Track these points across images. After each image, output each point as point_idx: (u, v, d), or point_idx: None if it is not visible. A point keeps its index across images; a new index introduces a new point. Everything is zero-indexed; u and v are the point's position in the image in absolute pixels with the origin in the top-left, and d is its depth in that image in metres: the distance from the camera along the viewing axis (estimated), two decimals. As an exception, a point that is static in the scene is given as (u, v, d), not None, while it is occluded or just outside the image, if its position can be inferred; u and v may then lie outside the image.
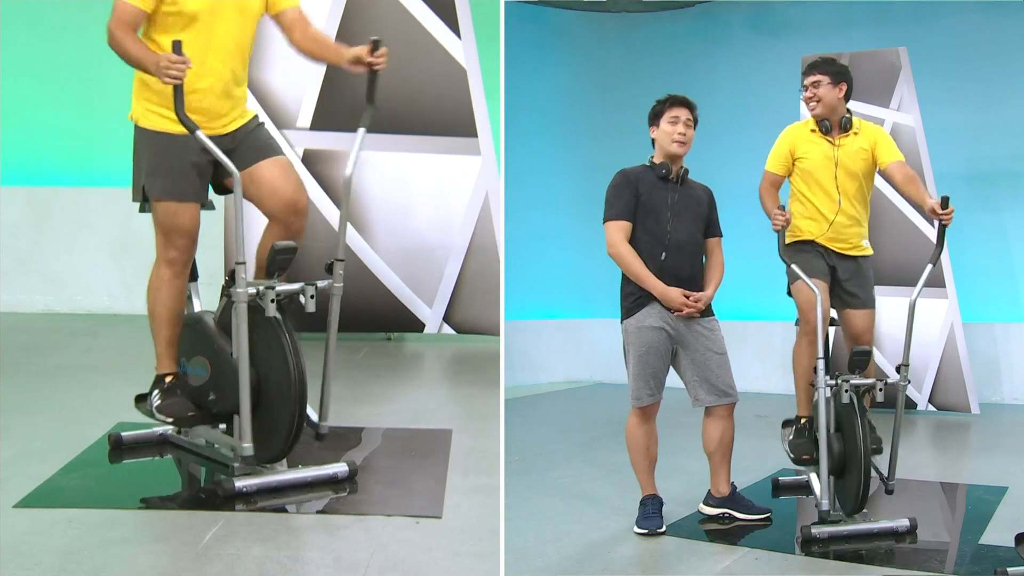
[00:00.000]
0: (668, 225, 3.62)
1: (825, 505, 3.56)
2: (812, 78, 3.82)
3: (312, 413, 3.21)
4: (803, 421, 3.95)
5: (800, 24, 7.59)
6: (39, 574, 2.39)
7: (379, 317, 4.88)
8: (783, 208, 3.67)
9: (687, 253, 3.66)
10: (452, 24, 4.68)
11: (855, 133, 3.83)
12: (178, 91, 2.76)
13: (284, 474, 3.10)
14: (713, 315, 3.68)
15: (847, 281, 3.86)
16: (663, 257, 3.61)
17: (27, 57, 5.53)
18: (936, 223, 3.58)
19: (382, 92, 3.06)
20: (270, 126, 3.29)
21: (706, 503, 3.79)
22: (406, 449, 3.67)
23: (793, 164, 3.86)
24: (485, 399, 4.34)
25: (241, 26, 3.00)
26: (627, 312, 3.64)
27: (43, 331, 5.05)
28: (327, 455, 3.33)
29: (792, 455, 3.94)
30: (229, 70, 3.01)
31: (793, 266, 3.65)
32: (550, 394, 7.37)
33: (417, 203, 4.77)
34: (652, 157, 3.71)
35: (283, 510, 2.96)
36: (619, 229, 3.62)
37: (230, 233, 4.36)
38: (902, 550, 3.40)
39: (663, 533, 3.52)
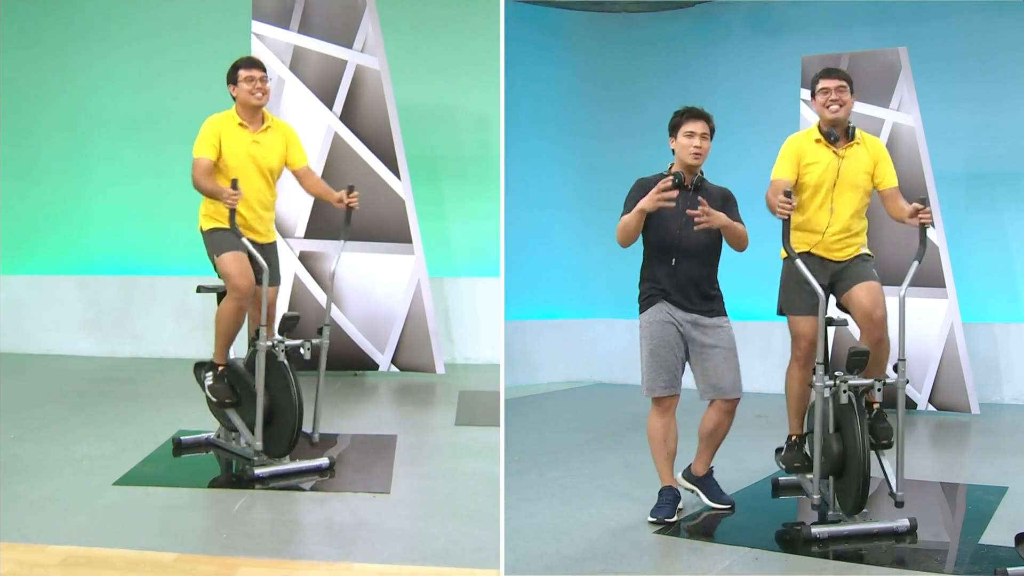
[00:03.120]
0: (679, 231, 3.68)
1: (816, 499, 3.58)
2: (838, 82, 3.79)
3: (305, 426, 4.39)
4: (793, 439, 4.04)
5: (800, 24, 7.59)
6: (129, 528, 3.46)
7: (348, 359, 6.73)
8: (790, 193, 3.58)
9: (698, 258, 3.71)
10: (394, 170, 6.74)
11: (857, 143, 3.83)
12: (232, 212, 4.15)
13: (287, 465, 4.24)
14: (724, 315, 3.79)
15: (843, 270, 3.85)
16: (674, 262, 3.69)
17: (112, 175, 7.73)
18: (918, 224, 3.63)
19: (354, 215, 4.47)
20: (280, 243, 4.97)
21: (683, 475, 3.96)
22: (366, 448, 4.79)
23: (798, 172, 3.82)
24: (420, 415, 5.78)
25: (260, 176, 4.40)
26: (641, 307, 3.78)
27: (129, 370, 6.92)
28: (315, 452, 4.46)
29: (784, 466, 4.09)
30: (258, 200, 4.41)
31: (797, 262, 3.62)
32: (550, 394, 7.37)
33: (374, 285, 6.78)
34: (671, 165, 3.78)
35: (287, 489, 4.06)
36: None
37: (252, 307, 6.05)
38: (902, 550, 3.40)
39: (672, 523, 3.62)
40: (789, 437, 4.06)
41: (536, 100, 7.95)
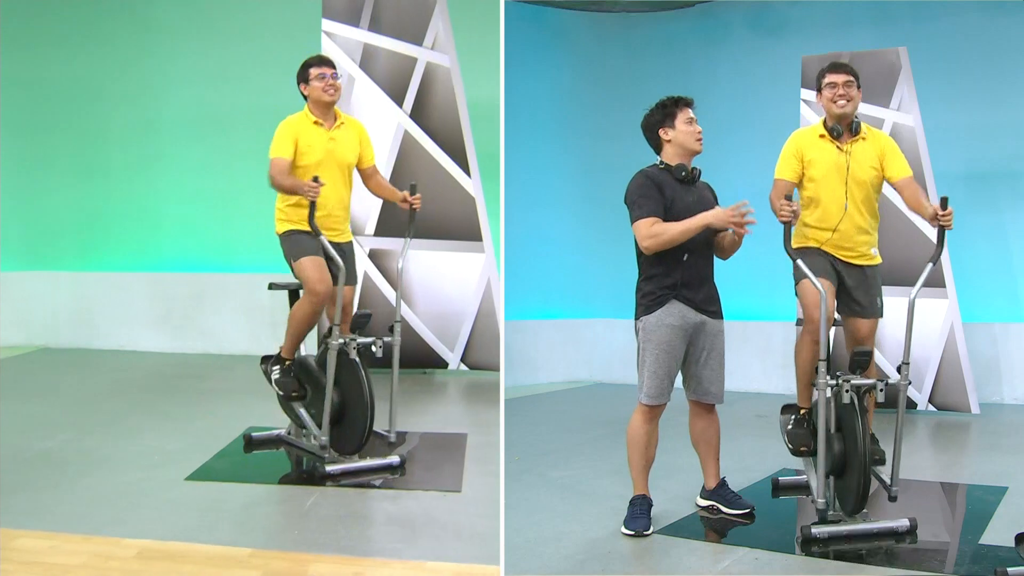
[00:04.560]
0: None
1: (822, 504, 3.57)
2: (846, 77, 3.76)
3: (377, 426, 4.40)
4: (802, 412, 3.93)
5: (800, 24, 7.58)
6: (202, 522, 3.50)
7: (418, 358, 6.71)
8: (790, 200, 3.57)
9: (704, 254, 3.66)
10: (464, 167, 6.70)
11: (863, 138, 3.80)
12: (312, 206, 4.14)
13: (357, 462, 4.25)
14: (723, 316, 3.72)
15: (854, 289, 3.81)
16: (685, 259, 3.60)
17: (183, 174, 7.87)
18: (937, 226, 3.57)
19: (422, 211, 4.57)
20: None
21: (700, 496, 3.89)
22: (436, 446, 4.78)
23: (802, 170, 3.80)
24: (488, 413, 5.64)
25: (342, 172, 4.44)
26: (646, 309, 3.62)
27: (201, 366, 7.04)
28: (385, 449, 4.47)
29: (790, 444, 3.91)
30: (338, 198, 4.43)
31: (799, 261, 3.61)
32: (550, 394, 7.37)
33: (444, 284, 6.74)
34: (664, 159, 3.69)
35: (358, 486, 4.07)
36: (649, 225, 3.55)
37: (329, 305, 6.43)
38: (902, 550, 3.41)
39: (649, 535, 3.53)
40: (797, 409, 3.95)
41: (536, 100, 7.94)
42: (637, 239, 3.59)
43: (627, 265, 4.06)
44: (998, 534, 3.51)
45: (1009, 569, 3.02)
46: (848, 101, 3.74)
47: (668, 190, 3.59)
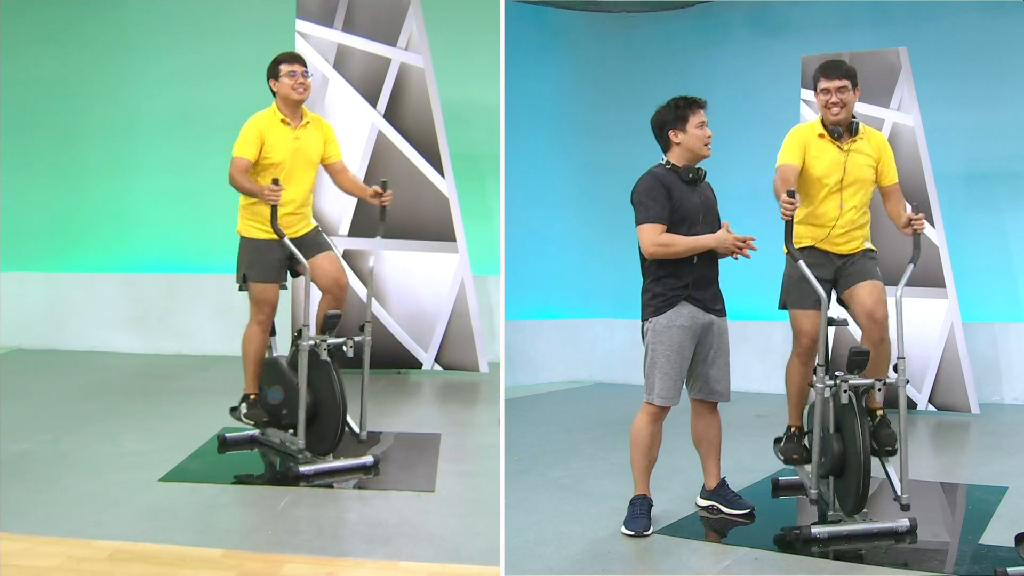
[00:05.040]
0: (698, 229, 3.60)
1: (814, 495, 3.57)
2: (839, 83, 3.70)
3: (352, 423, 4.49)
4: (793, 429, 4.03)
5: (800, 24, 7.58)
6: (175, 524, 3.50)
7: (392, 358, 6.72)
8: (793, 193, 3.53)
9: (712, 255, 3.66)
10: (438, 168, 6.72)
11: (861, 138, 3.80)
12: (274, 209, 4.15)
13: (331, 463, 4.24)
14: (727, 317, 3.73)
15: (847, 265, 3.83)
16: (695, 261, 3.59)
17: (157, 174, 7.90)
18: (911, 234, 3.65)
19: (396, 211, 4.62)
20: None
21: (700, 496, 3.89)
22: (410, 446, 4.76)
23: (803, 162, 3.78)
24: (462, 413, 5.74)
25: (305, 171, 4.44)
26: (655, 310, 3.61)
27: (175, 367, 7.05)
28: (360, 450, 4.43)
29: (782, 457, 4.05)
30: (300, 197, 4.42)
31: (800, 263, 3.61)
32: (550, 394, 7.37)
33: (417, 284, 6.77)
34: (670, 159, 3.67)
35: (331, 486, 4.08)
36: (655, 232, 3.55)
37: (297, 304, 6.35)
38: (902, 550, 3.41)
39: (649, 535, 3.53)
40: (788, 428, 4.03)
41: (536, 100, 7.94)
42: (641, 243, 3.59)
43: (627, 265, 4.07)
44: (998, 534, 3.51)
45: (1009, 569, 3.02)
46: (842, 108, 3.72)
47: (676, 191, 3.59)
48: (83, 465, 4.22)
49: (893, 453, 3.65)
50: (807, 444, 3.92)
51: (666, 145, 3.70)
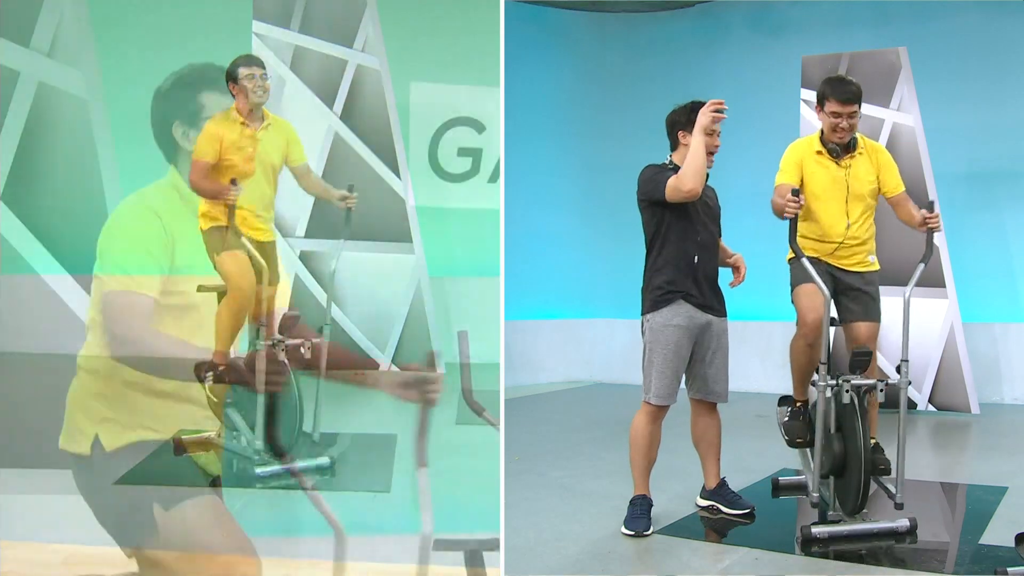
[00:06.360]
0: (699, 227, 3.62)
1: (815, 498, 3.57)
2: (851, 108, 3.67)
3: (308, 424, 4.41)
4: (798, 404, 3.94)
5: (800, 24, 7.58)
6: (130, 526, 3.46)
7: (350, 359, 6.52)
8: (797, 192, 3.52)
9: (713, 253, 3.67)
10: (394, 169, 6.64)
11: (860, 152, 3.78)
12: (231, 209, 4.19)
13: (288, 464, 4.16)
14: (727, 316, 3.72)
15: (851, 293, 3.81)
16: (696, 259, 3.60)
17: (117, 183, 7.26)
18: (926, 230, 3.63)
19: (354, 213, 4.57)
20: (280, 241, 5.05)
21: (700, 496, 3.89)
22: (367, 447, 4.79)
23: (800, 179, 3.76)
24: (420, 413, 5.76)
25: (266, 173, 4.37)
26: (653, 305, 3.62)
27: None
28: (316, 451, 4.40)
29: (786, 436, 3.93)
30: (259, 198, 4.37)
31: (803, 260, 3.60)
32: (550, 394, 7.37)
33: (374, 285, 6.70)
34: (675, 159, 3.67)
35: (288, 488, 4.00)
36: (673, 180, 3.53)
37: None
38: (902, 550, 3.40)
39: (649, 535, 3.53)
40: (794, 403, 3.95)
41: (536, 100, 7.94)
42: (668, 190, 3.53)
43: (627, 265, 4.07)
44: (998, 534, 3.51)
45: (1009, 569, 3.02)
46: (848, 130, 3.71)
47: None
48: (36, 468, 4.19)
49: (887, 473, 3.63)
50: (812, 418, 3.86)
51: (674, 144, 3.70)
